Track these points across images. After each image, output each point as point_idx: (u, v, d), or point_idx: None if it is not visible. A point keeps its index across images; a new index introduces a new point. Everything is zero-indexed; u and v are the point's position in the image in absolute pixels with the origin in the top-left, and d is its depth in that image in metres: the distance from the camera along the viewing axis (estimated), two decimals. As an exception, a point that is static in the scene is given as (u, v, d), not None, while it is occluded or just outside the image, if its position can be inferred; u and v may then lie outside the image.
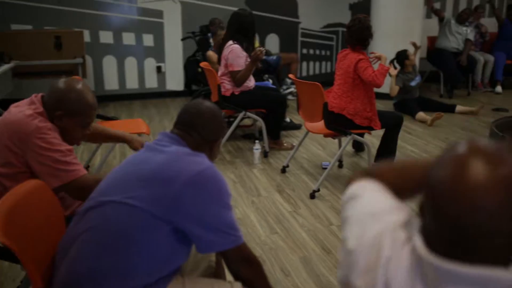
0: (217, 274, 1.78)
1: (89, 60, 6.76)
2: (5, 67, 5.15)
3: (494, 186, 0.75)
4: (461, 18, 7.12)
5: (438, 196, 0.80)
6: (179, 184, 1.41)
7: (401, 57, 5.91)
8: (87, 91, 1.98)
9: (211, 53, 5.16)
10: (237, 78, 4.25)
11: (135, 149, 2.55)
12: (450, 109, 6.11)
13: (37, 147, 1.86)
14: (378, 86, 3.61)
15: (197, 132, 1.61)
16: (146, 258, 1.40)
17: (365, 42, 3.69)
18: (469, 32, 7.13)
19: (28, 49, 5.93)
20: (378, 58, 3.81)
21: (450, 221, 0.78)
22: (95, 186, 1.60)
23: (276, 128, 4.58)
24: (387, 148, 3.98)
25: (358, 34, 3.67)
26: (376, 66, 3.70)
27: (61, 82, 1.98)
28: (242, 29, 4.33)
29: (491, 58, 7.43)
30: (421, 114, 5.73)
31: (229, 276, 1.65)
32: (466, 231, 0.76)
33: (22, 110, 1.94)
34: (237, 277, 1.56)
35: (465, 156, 0.80)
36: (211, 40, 5.96)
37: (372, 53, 3.90)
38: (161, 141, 1.57)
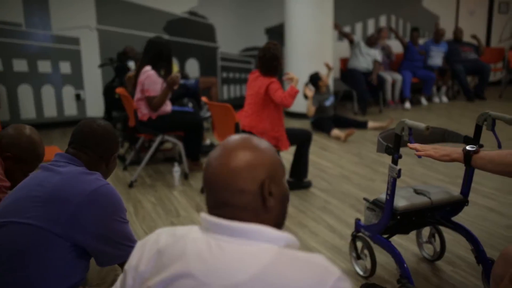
0: None
1: (2, 89, 6.56)
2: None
3: (241, 156, 1.01)
4: (370, 42, 7.62)
5: (205, 171, 1.05)
6: (74, 204, 1.48)
7: (314, 79, 6.24)
8: (39, 141, 2.05)
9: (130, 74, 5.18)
10: (153, 103, 4.29)
11: None
12: (363, 125, 6.49)
13: None
14: (287, 107, 3.82)
15: (91, 150, 1.68)
16: (46, 274, 1.45)
17: (274, 70, 3.89)
18: (377, 53, 7.65)
19: None
20: (291, 79, 3.99)
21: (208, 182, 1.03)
22: None
23: (195, 150, 4.67)
24: (299, 163, 4.19)
25: (268, 64, 3.86)
26: (287, 87, 3.91)
27: (15, 127, 2.05)
28: (158, 56, 4.39)
29: (399, 77, 7.97)
30: (335, 131, 6.05)
31: None
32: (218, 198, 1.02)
33: None
34: None
35: (227, 143, 1.06)
36: (132, 65, 5.97)
37: (287, 73, 4.09)
38: (57, 161, 1.62)
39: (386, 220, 2.45)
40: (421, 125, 2.15)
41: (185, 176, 4.56)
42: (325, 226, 3.47)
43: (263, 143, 1.06)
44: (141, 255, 1.07)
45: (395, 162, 2.34)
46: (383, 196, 2.54)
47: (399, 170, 2.31)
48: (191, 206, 3.93)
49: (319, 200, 3.98)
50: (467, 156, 1.89)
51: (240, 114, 3.95)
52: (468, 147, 1.91)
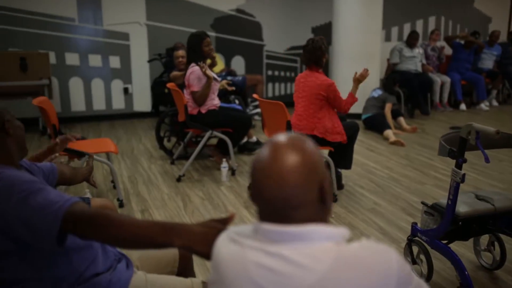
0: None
1: (55, 81, 6.75)
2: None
3: (296, 169, 0.97)
4: (410, 43, 7.44)
5: (257, 179, 1.01)
6: None
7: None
8: None
9: (175, 73, 5.27)
10: (197, 96, 4.38)
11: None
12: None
13: None
14: (344, 113, 3.84)
15: None
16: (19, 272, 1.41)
17: (318, 61, 3.87)
18: (421, 54, 7.49)
19: (-8, 70, 5.91)
20: (358, 80, 3.90)
21: (265, 197, 0.99)
22: None
23: (228, 146, 4.67)
24: (346, 157, 4.15)
25: (311, 54, 3.86)
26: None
27: None
28: (191, 49, 4.49)
29: (447, 79, 7.79)
30: (388, 132, 5.94)
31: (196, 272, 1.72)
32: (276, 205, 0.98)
33: None
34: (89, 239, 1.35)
35: (277, 146, 1.01)
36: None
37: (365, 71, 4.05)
38: None
39: (446, 226, 2.39)
40: (491, 129, 2.09)
41: (232, 172, 4.58)
42: (375, 228, 3.42)
43: (305, 143, 1.02)
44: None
45: (459, 166, 2.28)
46: (443, 201, 2.48)
47: (463, 175, 2.25)
48: (239, 202, 3.94)
49: (369, 202, 3.92)
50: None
51: (293, 118, 3.94)
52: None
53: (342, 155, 4.15)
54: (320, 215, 1.01)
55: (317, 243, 0.96)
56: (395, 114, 6.46)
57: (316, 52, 3.84)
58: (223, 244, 1.07)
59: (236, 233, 1.06)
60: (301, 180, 0.97)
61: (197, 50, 4.47)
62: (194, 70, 4.40)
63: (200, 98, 4.38)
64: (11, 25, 6.47)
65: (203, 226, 1.27)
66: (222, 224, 1.28)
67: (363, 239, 0.99)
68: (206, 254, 1.20)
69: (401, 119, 6.42)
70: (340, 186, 4.20)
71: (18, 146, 1.56)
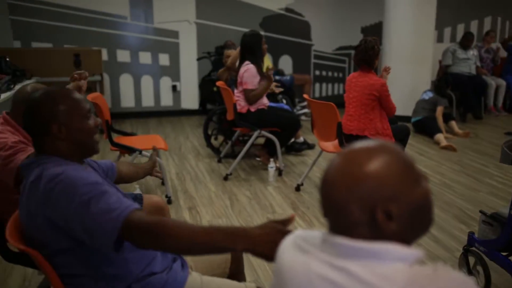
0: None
1: (106, 77, 6.91)
2: (27, 83, 5.28)
3: (338, 177, 0.92)
4: (464, 44, 7.19)
5: (322, 187, 0.96)
6: (39, 213, 1.37)
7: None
8: (35, 86, 2.11)
9: (221, 70, 5.28)
10: (251, 95, 4.38)
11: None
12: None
13: None
14: (391, 115, 3.79)
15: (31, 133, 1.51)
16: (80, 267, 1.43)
17: (370, 62, 3.80)
18: (475, 55, 7.23)
19: (48, 66, 6.10)
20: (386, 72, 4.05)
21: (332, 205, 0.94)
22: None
23: (276, 148, 4.63)
24: None
25: (363, 54, 3.79)
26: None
27: None
28: (249, 49, 4.46)
29: (503, 82, 7.49)
30: (439, 136, 5.78)
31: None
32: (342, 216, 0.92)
33: None
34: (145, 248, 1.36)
35: (344, 151, 0.95)
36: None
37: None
38: (33, 172, 1.47)
39: (508, 237, 2.28)
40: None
41: (279, 172, 4.55)
42: (428, 236, 3.31)
43: (372, 155, 0.92)
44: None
45: (524, 175, 2.17)
46: (503, 210, 2.37)
47: (529, 184, 2.13)
48: (286, 203, 3.91)
49: (419, 208, 3.80)
50: None
51: (344, 118, 3.87)
52: None
53: None
54: (383, 234, 0.91)
55: (389, 263, 0.88)
56: (447, 118, 6.25)
57: (368, 52, 3.76)
58: (288, 250, 1.04)
59: (304, 240, 1.02)
60: (341, 191, 0.90)
61: (256, 49, 4.46)
62: (249, 68, 4.39)
63: (254, 97, 4.39)
64: (66, 22, 6.67)
65: (263, 228, 1.26)
66: (282, 225, 1.27)
67: (439, 264, 0.91)
68: (269, 256, 1.20)
69: (453, 123, 6.21)
70: None
71: (77, 149, 1.51)
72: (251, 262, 2.86)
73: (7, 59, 5.16)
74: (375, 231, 0.90)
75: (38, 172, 1.40)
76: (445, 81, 6.44)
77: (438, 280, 0.87)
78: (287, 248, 1.05)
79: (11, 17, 6.50)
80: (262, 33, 7.42)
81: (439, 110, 6.10)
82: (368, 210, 0.89)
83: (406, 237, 0.93)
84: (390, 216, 0.89)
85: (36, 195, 1.37)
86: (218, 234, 1.24)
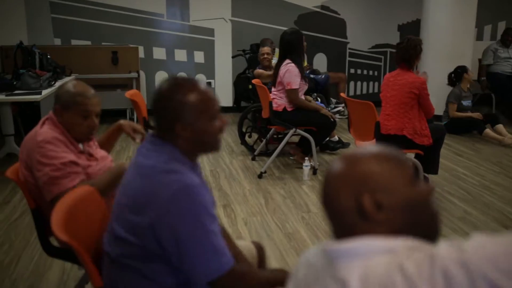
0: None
1: (142, 75, 7.00)
2: (67, 79, 5.41)
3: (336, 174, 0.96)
4: (505, 43, 6.98)
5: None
6: (150, 215, 1.34)
7: (461, 70, 5.91)
8: (77, 83, 2.06)
9: (261, 71, 5.27)
10: (298, 101, 4.39)
11: (127, 133, 2.40)
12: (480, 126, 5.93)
13: (35, 162, 1.95)
14: (430, 116, 3.73)
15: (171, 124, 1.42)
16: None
17: (409, 60, 3.73)
18: None
19: (87, 63, 6.23)
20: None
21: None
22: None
23: (311, 146, 4.61)
24: (433, 162, 3.98)
25: (404, 52, 3.72)
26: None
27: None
28: (289, 48, 4.42)
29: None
30: (489, 131, 5.64)
31: None
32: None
33: (38, 125, 2.07)
34: None
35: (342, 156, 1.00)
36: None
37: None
38: (144, 147, 1.47)
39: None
40: None
41: (314, 171, 4.53)
42: (467, 239, 3.23)
43: (367, 150, 0.97)
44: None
45: None
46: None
47: None
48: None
49: (458, 210, 3.73)
50: None
51: (380, 117, 3.81)
52: None
53: (429, 160, 3.98)
54: (371, 227, 0.92)
55: (376, 257, 0.86)
56: (493, 121, 5.95)
57: (410, 51, 3.69)
58: (310, 253, 1.05)
59: (310, 265, 1.03)
60: (335, 183, 0.95)
61: (297, 47, 4.42)
62: (290, 69, 4.33)
63: (297, 102, 4.40)
64: (105, 20, 6.80)
65: None
66: None
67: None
68: None
69: (501, 127, 5.86)
70: None
71: (197, 148, 1.48)
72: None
73: (48, 56, 5.29)
74: (363, 219, 0.92)
75: (159, 169, 1.37)
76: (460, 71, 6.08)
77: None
78: (311, 251, 1.06)
79: (52, 15, 6.66)
80: (297, 31, 7.40)
81: (451, 108, 5.91)
82: (356, 196, 0.92)
83: (400, 231, 0.92)
84: (379, 206, 0.91)
85: (157, 197, 1.34)
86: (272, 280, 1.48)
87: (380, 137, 3.69)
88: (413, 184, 0.94)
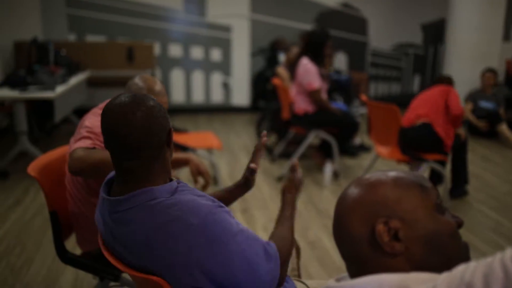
0: None
1: (158, 72, 6.86)
2: (81, 76, 5.28)
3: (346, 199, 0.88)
4: None
5: None
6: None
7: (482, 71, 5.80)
8: (145, 78, 1.93)
9: (281, 70, 5.08)
10: (321, 102, 4.21)
11: (191, 173, 2.07)
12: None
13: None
14: (459, 119, 3.50)
15: (147, 155, 1.23)
16: None
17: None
18: None
19: (101, 59, 6.09)
20: None
21: None
22: (84, 159, 1.64)
23: (331, 149, 4.43)
24: (459, 168, 3.81)
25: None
26: None
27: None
28: (313, 46, 4.25)
29: None
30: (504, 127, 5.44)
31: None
32: None
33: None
34: None
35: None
36: (281, 57, 5.90)
37: None
38: (121, 205, 1.23)
39: None
40: None
41: (335, 175, 4.34)
42: (501, 251, 3.03)
43: (386, 174, 0.88)
44: None
45: None
46: None
47: None
48: (343, 209, 3.70)
49: (490, 220, 3.52)
50: None
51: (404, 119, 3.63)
52: None
53: (455, 172, 3.84)
54: (384, 260, 0.82)
55: None
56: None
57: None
58: None
59: None
60: (348, 207, 0.86)
61: (318, 48, 4.24)
62: (308, 68, 4.15)
63: (322, 104, 4.22)
64: (120, 15, 6.66)
65: (288, 196, 1.58)
66: (290, 182, 1.60)
67: None
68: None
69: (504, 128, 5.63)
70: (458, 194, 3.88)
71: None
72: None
73: (63, 52, 5.16)
74: (376, 250, 0.82)
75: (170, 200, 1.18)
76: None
77: None
78: None
79: (67, 11, 6.54)
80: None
81: (465, 108, 5.72)
82: (370, 223, 0.83)
83: (418, 267, 0.81)
84: (396, 236, 0.81)
85: (181, 229, 1.14)
86: (290, 220, 1.49)
87: (404, 139, 3.47)
88: (437, 214, 0.83)
